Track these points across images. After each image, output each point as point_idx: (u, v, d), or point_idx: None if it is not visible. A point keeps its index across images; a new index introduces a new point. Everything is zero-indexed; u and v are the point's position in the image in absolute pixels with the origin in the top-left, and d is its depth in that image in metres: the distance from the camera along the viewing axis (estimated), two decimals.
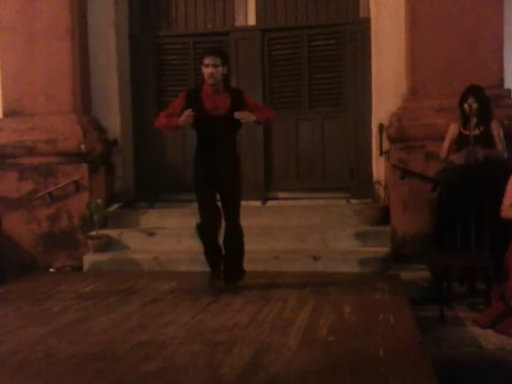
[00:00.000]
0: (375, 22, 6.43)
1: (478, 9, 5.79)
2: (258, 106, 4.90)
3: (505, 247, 4.48)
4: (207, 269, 4.85)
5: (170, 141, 7.07)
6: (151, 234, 6.28)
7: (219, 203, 4.75)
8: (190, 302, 4.47)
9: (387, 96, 6.26)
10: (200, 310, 4.25)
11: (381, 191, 6.40)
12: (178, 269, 5.74)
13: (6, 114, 6.73)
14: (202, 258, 4.84)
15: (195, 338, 3.58)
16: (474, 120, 5.13)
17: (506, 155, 5.17)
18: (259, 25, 6.99)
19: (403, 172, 5.80)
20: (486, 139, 5.15)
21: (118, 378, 2.97)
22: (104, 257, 6.07)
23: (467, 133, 5.15)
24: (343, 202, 6.68)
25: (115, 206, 6.58)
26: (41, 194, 6.42)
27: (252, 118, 4.61)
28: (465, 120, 5.23)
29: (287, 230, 6.11)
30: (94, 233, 6.25)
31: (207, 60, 4.56)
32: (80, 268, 6.16)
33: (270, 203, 6.94)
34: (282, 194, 7.01)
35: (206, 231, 4.71)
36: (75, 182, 6.42)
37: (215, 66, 4.54)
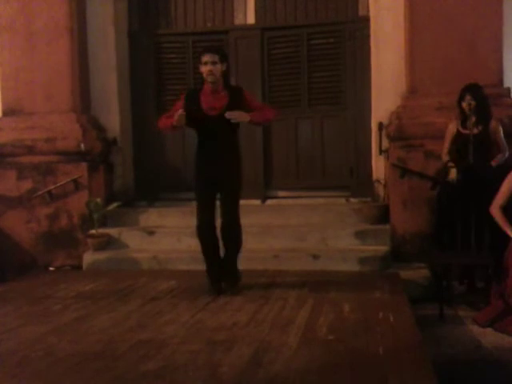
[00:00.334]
0: (374, 21, 6.42)
1: (478, 8, 5.79)
2: (258, 106, 4.78)
3: (504, 246, 4.49)
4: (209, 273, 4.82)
5: (169, 140, 7.07)
6: (151, 232, 6.28)
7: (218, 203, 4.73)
8: (190, 301, 4.47)
9: (387, 94, 6.25)
10: (199, 308, 4.25)
11: (380, 190, 6.41)
12: (178, 268, 5.73)
13: (5, 113, 6.73)
14: (202, 256, 4.84)
15: (195, 337, 3.58)
16: (473, 119, 5.13)
17: (507, 154, 5.18)
18: (259, 23, 6.98)
19: (403, 171, 5.80)
20: (485, 138, 5.16)
21: (118, 376, 2.97)
22: (103, 256, 6.07)
23: (466, 132, 5.15)
24: (343, 200, 6.69)
25: (114, 204, 6.58)
26: (40, 192, 6.42)
27: (245, 118, 4.51)
28: (463, 119, 5.24)
29: (287, 229, 6.11)
30: (93, 232, 6.25)
31: (205, 58, 4.51)
32: (79, 267, 6.16)
33: (269, 202, 6.95)
34: (281, 193, 7.01)
35: (203, 231, 4.67)
36: (74, 181, 6.41)
37: (213, 63, 4.49)
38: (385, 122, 6.25)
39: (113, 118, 6.93)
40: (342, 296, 4.52)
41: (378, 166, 6.45)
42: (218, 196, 4.72)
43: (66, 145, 6.51)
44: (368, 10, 6.61)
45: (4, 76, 6.69)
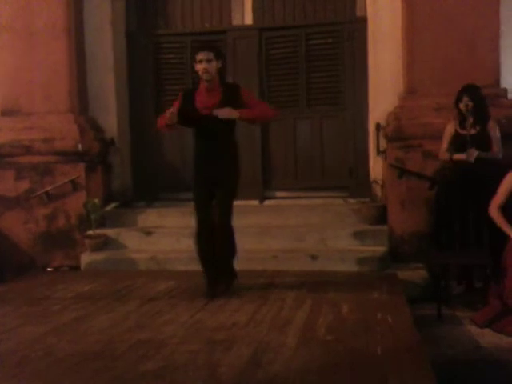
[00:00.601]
0: (372, 21, 6.43)
1: (477, 8, 5.80)
2: (255, 103, 4.68)
3: (502, 246, 4.49)
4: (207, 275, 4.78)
5: (168, 140, 7.06)
6: (149, 233, 6.27)
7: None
8: (189, 301, 4.47)
9: (385, 95, 6.25)
10: (198, 309, 4.25)
11: (378, 190, 6.41)
12: (177, 268, 5.73)
13: (3, 113, 6.72)
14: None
15: (194, 337, 3.58)
16: (471, 119, 5.14)
17: (500, 156, 5.17)
18: (257, 24, 6.98)
19: (401, 171, 5.80)
20: (483, 139, 5.15)
21: (117, 376, 2.97)
22: (101, 256, 6.06)
23: (464, 132, 5.16)
24: (341, 201, 6.68)
25: (112, 205, 6.58)
26: (38, 193, 6.41)
27: (234, 114, 4.42)
28: (461, 119, 5.24)
29: (285, 229, 6.11)
30: (91, 232, 6.24)
31: (200, 56, 4.46)
32: (77, 267, 6.15)
33: (267, 202, 6.94)
34: (280, 193, 7.00)
35: (201, 234, 4.62)
36: (72, 182, 6.40)
37: (208, 61, 4.43)
38: (383, 122, 6.25)
39: (111, 119, 6.92)
40: (341, 296, 4.52)
41: (376, 167, 6.46)
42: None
43: (64, 145, 6.51)
44: (366, 11, 6.61)
45: (2, 76, 6.67)
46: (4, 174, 6.52)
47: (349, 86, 6.77)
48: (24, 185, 6.49)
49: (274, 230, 6.13)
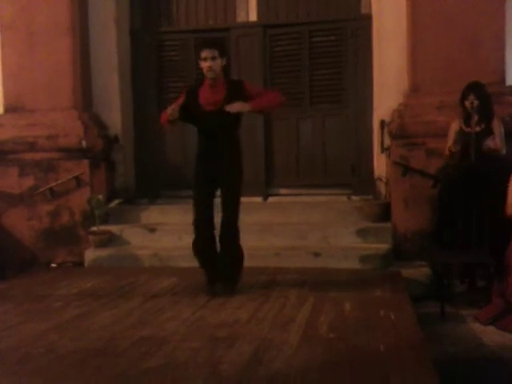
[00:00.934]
0: (376, 19, 6.42)
1: (480, 6, 5.78)
2: (260, 92, 4.64)
3: (505, 244, 4.48)
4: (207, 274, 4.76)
5: (171, 137, 7.07)
6: (152, 230, 6.28)
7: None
8: (191, 299, 4.47)
9: (388, 93, 6.24)
10: (200, 306, 4.25)
11: (382, 188, 6.41)
12: (179, 265, 5.73)
13: (6, 110, 6.73)
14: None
15: (196, 334, 3.58)
16: (476, 117, 5.12)
17: (504, 152, 5.16)
18: (260, 21, 6.98)
19: (404, 169, 5.79)
20: (488, 136, 5.14)
21: (119, 373, 2.98)
22: (105, 253, 6.07)
23: (469, 130, 5.14)
24: (344, 198, 6.68)
25: (116, 201, 6.58)
26: (42, 189, 6.42)
27: (246, 107, 4.38)
28: (466, 117, 5.23)
29: (288, 227, 6.11)
30: (94, 229, 6.25)
31: (204, 53, 4.41)
32: (81, 264, 6.16)
33: (270, 199, 6.94)
34: (283, 191, 7.00)
35: (199, 230, 4.58)
36: (76, 178, 6.42)
37: (213, 59, 4.39)
38: (386, 120, 6.24)
39: (114, 116, 6.93)
40: (343, 294, 4.51)
41: (380, 164, 6.45)
42: (218, 195, 4.64)
43: (68, 142, 6.52)
44: (370, 8, 6.60)
45: (6, 73, 6.69)
46: (8, 170, 6.54)
47: (352, 83, 6.75)
48: (28, 181, 6.50)
49: (276, 227, 6.12)
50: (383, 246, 5.73)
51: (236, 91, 4.48)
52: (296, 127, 6.95)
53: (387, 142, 6.25)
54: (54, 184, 6.42)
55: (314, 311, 4.05)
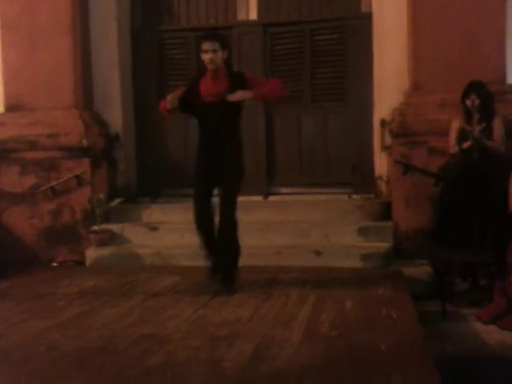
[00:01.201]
0: (377, 17, 6.40)
1: (481, 4, 5.77)
2: (262, 81, 4.68)
3: (507, 242, 4.48)
4: (209, 264, 4.79)
5: (172, 136, 7.07)
6: (154, 228, 6.28)
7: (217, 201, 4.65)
8: (192, 297, 4.47)
9: (389, 91, 6.23)
10: (202, 304, 4.25)
11: (383, 186, 6.40)
12: (181, 264, 5.73)
13: (7, 109, 6.73)
14: (204, 252, 4.81)
15: (197, 333, 3.59)
16: (477, 116, 5.12)
17: (503, 149, 5.15)
18: (261, 19, 6.97)
19: (405, 167, 5.79)
20: (489, 135, 5.14)
21: (121, 371, 2.98)
22: (106, 251, 6.07)
23: (470, 128, 5.14)
24: (345, 197, 6.67)
25: (117, 200, 6.58)
26: (43, 188, 6.42)
27: (247, 95, 4.41)
28: (468, 116, 5.23)
29: (289, 225, 6.11)
30: (96, 227, 6.25)
31: (205, 45, 4.44)
32: (82, 262, 6.16)
33: (271, 198, 6.93)
34: (284, 189, 6.99)
35: (198, 226, 4.61)
36: (77, 177, 6.41)
37: (214, 51, 4.41)
38: (388, 118, 6.23)
39: (115, 114, 6.92)
40: (345, 292, 4.52)
41: (381, 163, 6.44)
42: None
43: (69, 140, 6.51)
44: (371, 7, 6.59)
45: (7, 71, 6.69)
46: (9, 169, 6.54)
47: (353, 82, 6.73)
48: (29, 180, 6.50)
49: (277, 225, 6.12)
50: (384, 245, 5.72)
51: (238, 83, 4.49)
52: (297, 126, 6.94)
53: (388, 140, 6.24)
54: (55, 183, 6.42)
55: (316, 309, 4.05)
